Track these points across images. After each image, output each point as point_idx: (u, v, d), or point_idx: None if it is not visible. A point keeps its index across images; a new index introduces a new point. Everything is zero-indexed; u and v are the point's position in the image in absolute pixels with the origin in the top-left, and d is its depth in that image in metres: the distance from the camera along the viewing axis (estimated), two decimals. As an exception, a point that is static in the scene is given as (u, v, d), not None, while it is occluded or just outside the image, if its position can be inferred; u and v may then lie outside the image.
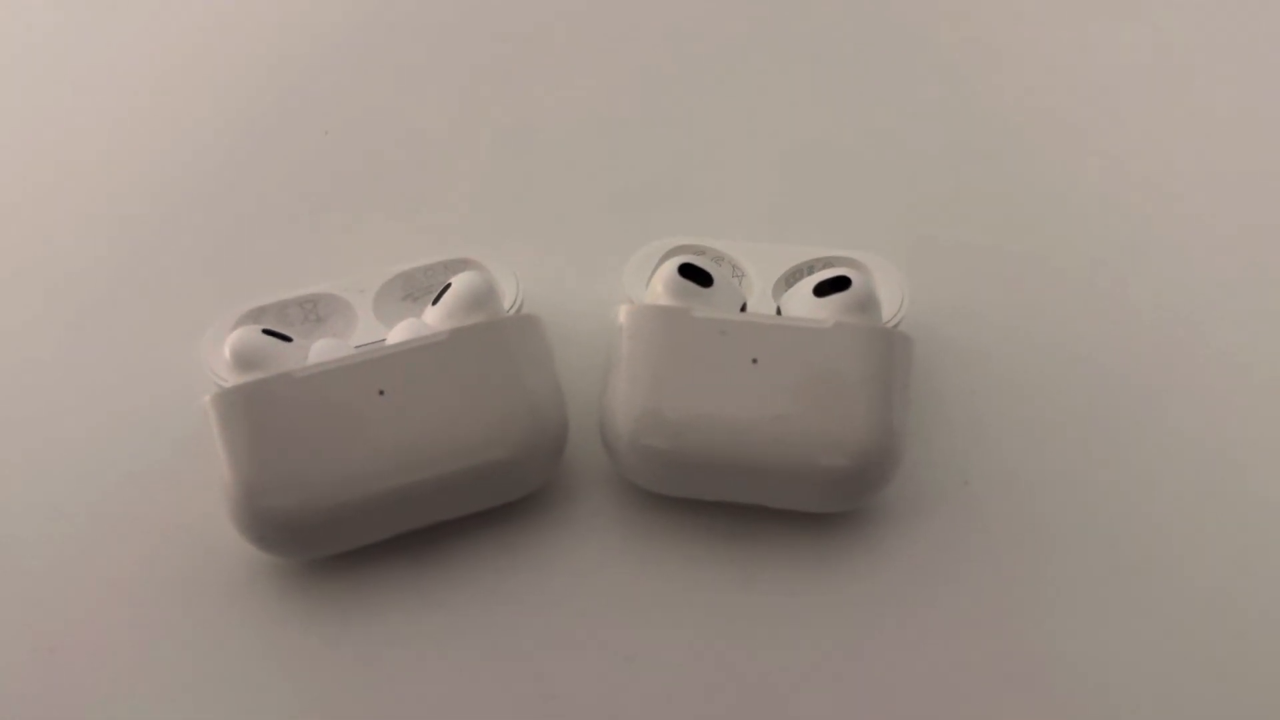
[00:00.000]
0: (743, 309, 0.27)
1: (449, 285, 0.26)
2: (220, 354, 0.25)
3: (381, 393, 0.24)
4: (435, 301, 0.26)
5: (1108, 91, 0.37)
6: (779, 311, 0.27)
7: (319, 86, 0.37)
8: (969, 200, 0.33)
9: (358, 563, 0.25)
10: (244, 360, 0.24)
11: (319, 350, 0.25)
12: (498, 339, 0.25)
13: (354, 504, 0.23)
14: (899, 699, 0.23)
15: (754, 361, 0.24)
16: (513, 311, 0.27)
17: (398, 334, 0.25)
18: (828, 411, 0.23)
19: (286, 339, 0.25)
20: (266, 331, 0.25)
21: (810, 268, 0.28)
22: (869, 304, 0.25)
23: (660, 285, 0.26)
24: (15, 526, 0.26)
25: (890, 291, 0.27)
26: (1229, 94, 0.37)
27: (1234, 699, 0.23)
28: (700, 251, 0.28)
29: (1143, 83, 0.37)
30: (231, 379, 0.25)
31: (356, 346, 0.26)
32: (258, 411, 0.23)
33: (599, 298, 0.29)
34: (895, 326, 0.26)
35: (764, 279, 0.27)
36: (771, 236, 0.30)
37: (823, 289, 0.25)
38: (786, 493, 0.24)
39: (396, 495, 0.23)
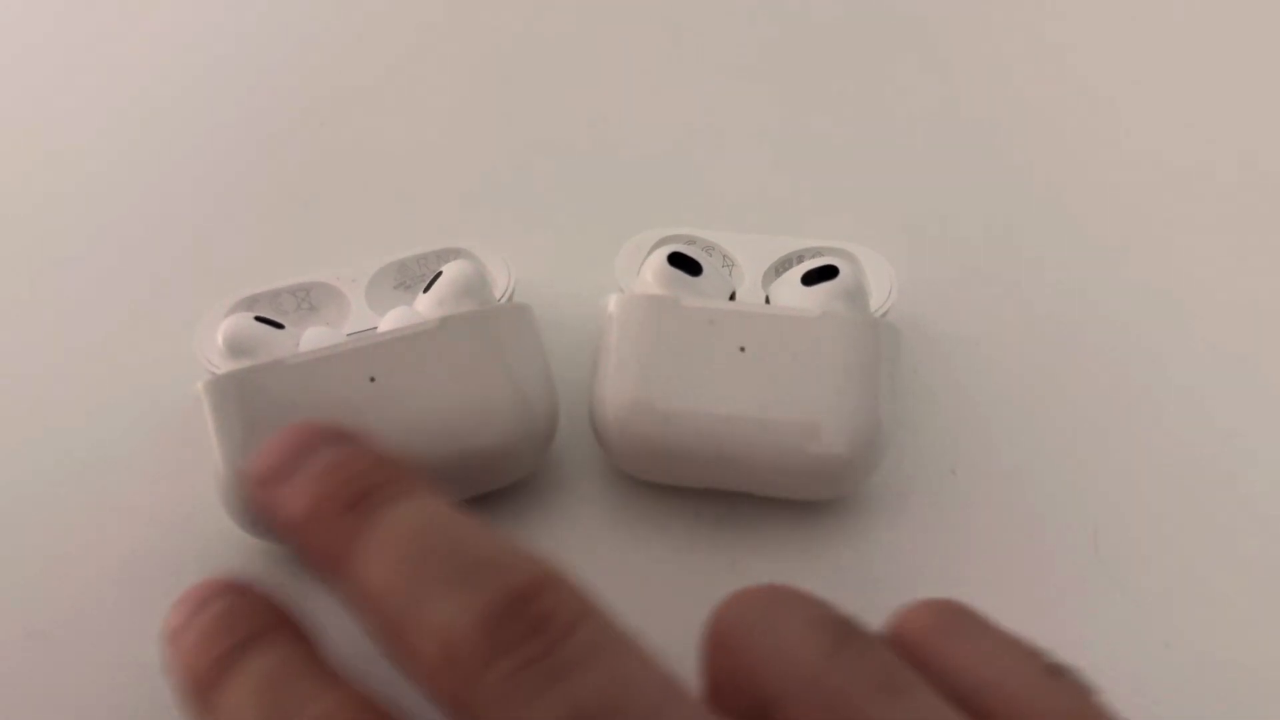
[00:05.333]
0: (732, 298, 0.27)
1: (440, 274, 0.26)
2: (213, 341, 0.25)
3: (372, 380, 0.24)
4: (426, 290, 0.26)
5: (1098, 85, 0.37)
6: (768, 301, 0.27)
7: (315, 77, 0.37)
8: (958, 193, 0.33)
9: (349, 548, 0.25)
10: (236, 347, 0.25)
11: (311, 338, 0.25)
12: (488, 327, 0.25)
13: (345, 490, 0.23)
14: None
15: (741, 350, 0.24)
16: (504, 300, 0.27)
17: (389, 322, 0.25)
18: (814, 400, 0.24)
19: (279, 326, 0.25)
20: (259, 319, 0.25)
21: (799, 257, 0.28)
22: (856, 293, 0.25)
23: (650, 274, 0.26)
24: (8, 512, 0.26)
25: (879, 282, 0.27)
26: (1218, 91, 0.37)
27: (1218, 686, 0.23)
28: (690, 241, 0.28)
29: (1133, 77, 0.37)
30: (224, 366, 0.25)
31: (348, 334, 0.26)
32: (250, 398, 0.23)
33: (590, 287, 0.29)
34: (883, 317, 0.26)
35: (754, 269, 0.28)
36: (762, 227, 0.31)
37: (810, 278, 0.26)
38: (773, 481, 0.24)
39: (387, 481, 0.23)
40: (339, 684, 0.17)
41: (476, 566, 0.16)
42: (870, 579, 0.25)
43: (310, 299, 0.27)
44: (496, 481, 0.25)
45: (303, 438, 0.18)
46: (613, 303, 0.25)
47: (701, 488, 0.25)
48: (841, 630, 0.16)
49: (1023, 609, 0.24)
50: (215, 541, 0.25)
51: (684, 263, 0.26)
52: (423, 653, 0.15)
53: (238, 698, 0.16)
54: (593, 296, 0.27)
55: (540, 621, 0.15)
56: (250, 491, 0.19)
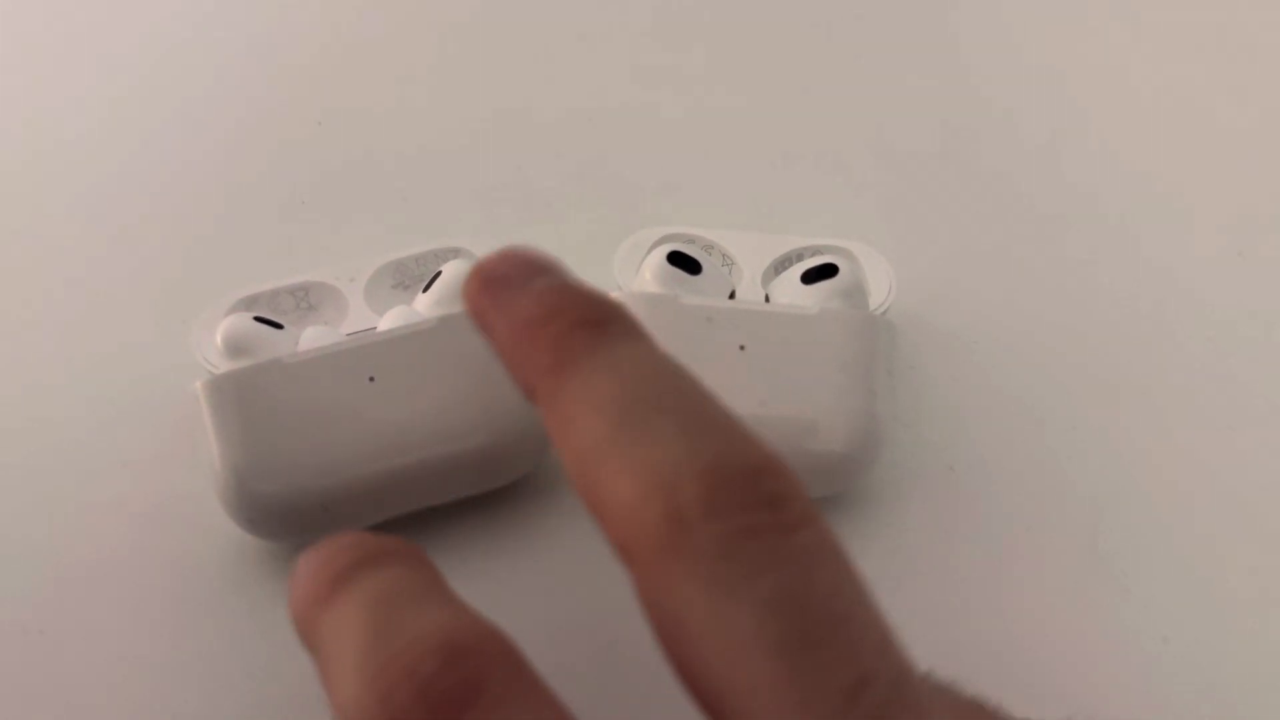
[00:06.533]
0: (731, 296, 0.27)
1: (439, 273, 0.26)
2: (212, 341, 0.25)
3: (371, 379, 0.24)
4: (425, 289, 0.26)
5: (1092, 84, 0.37)
6: (767, 299, 0.27)
7: (312, 77, 0.37)
8: (957, 192, 0.33)
9: (348, 547, 0.25)
10: (235, 347, 0.25)
11: (309, 337, 0.25)
12: (486, 326, 0.25)
13: (343, 489, 0.23)
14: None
15: (741, 348, 0.24)
16: (502, 299, 0.27)
17: (388, 322, 0.26)
18: (813, 397, 0.24)
19: (278, 326, 0.25)
20: (258, 319, 0.25)
21: (799, 255, 0.28)
22: (855, 291, 0.26)
23: (649, 273, 0.26)
24: (8, 510, 0.26)
25: (878, 280, 0.27)
26: (1209, 88, 0.37)
27: (1216, 681, 0.23)
28: (690, 240, 0.28)
29: (1126, 76, 0.38)
30: (223, 365, 0.25)
31: (347, 334, 0.26)
32: (248, 397, 0.23)
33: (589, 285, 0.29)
34: (882, 314, 0.26)
35: (753, 267, 0.28)
36: (761, 226, 0.31)
37: (810, 276, 0.26)
38: (772, 478, 0.24)
39: (385, 480, 0.23)
40: (457, 604, 0.15)
41: (710, 422, 0.15)
42: (868, 575, 0.24)
43: (309, 298, 0.27)
44: (495, 480, 0.25)
45: (538, 257, 0.17)
46: (612, 301, 0.25)
47: (700, 486, 0.25)
48: None
49: (1022, 605, 0.24)
50: (213, 540, 0.25)
51: (683, 261, 0.26)
52: (623, 492, 0.14)
53: (347, 610, 0.15)
54: (593, 295, 0.27)
55: (773, 499, 0.14)
56: (468, 288, 0.17)
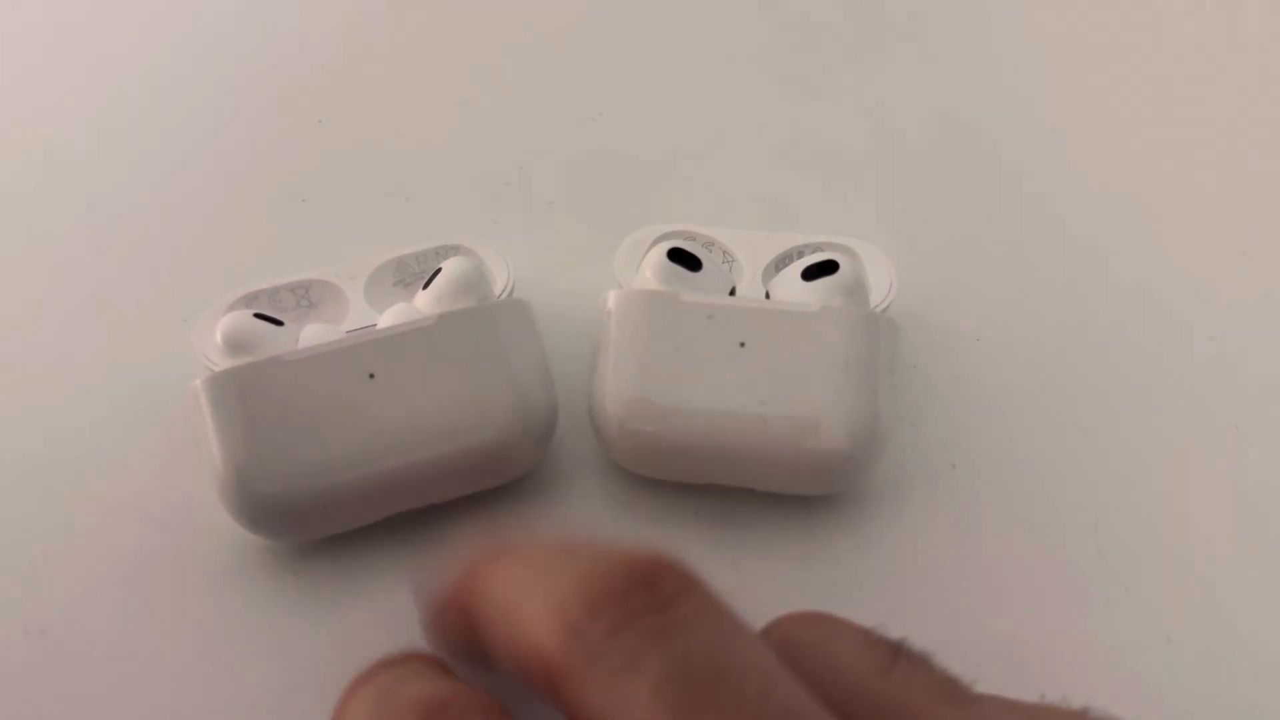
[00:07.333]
0: (732, 293, 0.27)
1: (439, 270, 0.26)
2: (212, 338, 0.25)
3: (371, 376, 0.24)
4: (425, 286, 0.26)
5: (1094, 81, 0.37)
6: (768, 296, 0.27)
7: (313, 75, 0.37)
8: (958, 188, 0.33)
9: (348, 545, 0.25)
10: (235, 344, 0.25)
11: (310, 335, 0.25)
12: (486, 323, 0.25)
13: (344, 487, 0.23)
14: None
15: (741, 345, 0.24)
16: (503, 297, 0.27)
17: (388, 319, 0.25)
18: (814, 395, 0.23)
19: (278, 323, 0.25)
20: (258, 316, 0.25)
21: (799, 253, 0.28)
22: (856, 288, 0.25)
23: (649, 270, 0.26)
24: (7, 508, 0.26)
25: (879, 277, 0.27)
26: (1215, 84, 0.37)
27: (1220, 681, 0.23)
28: (690, 237, 0.28)
29: (1127, 74, 0.37)
30: (223, 363, 0.25)
31: (347, 331, 0.26)
32: (248, 395, 0.23)
33: (590, 283, 0.29)
34: (883, 311, 0.26)
35: (754, 264, 0.28)
36: (762, 223, 0.31)
37: (810, 273, 0.26)
38: (773, 476, 0.24)
39: (386, 478, 0.23)
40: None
41: (576, 551, 0.17)
42: (871, 574, 0.25)
43: (309, 296, 0.27)
44: (496, 478, 0.25)
45: None
46: (612, 299, 0.25)
47: (701, 484, 0.25)
48: (894, 647, 0.17)
49: (1023, 604, 0.24)
50: (214, 538, 0.25)
51: (684, 258, 0.26)
52: (531, 632, 0.16)
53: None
54: (592, 293, 0.27)
55: (647, 581, 0.15)
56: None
